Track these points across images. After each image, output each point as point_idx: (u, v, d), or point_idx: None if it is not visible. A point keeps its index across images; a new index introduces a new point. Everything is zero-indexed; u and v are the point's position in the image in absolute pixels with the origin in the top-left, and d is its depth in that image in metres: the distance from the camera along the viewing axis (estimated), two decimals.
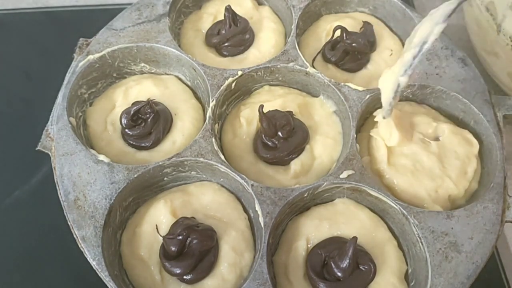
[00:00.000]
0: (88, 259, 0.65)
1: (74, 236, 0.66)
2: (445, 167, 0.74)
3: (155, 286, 0.66)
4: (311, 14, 0.93)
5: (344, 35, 0.84)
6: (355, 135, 0.75)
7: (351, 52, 0.85)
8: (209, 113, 0.76)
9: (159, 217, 0.70)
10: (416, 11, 0.90)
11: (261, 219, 0.67)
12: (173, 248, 0.64)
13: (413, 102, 0.83)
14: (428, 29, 0.60)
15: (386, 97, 0.66)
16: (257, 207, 0.68)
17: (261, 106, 0.72)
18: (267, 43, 0.89)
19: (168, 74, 0.87)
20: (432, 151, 0.74)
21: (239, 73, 0.80)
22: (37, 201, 0.86)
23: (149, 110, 0.75)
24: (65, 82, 0.79)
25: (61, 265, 0.80)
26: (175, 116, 0.80)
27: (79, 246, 0.66)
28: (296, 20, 0.86)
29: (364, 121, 0.81)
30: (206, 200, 0.72)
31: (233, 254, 0.67)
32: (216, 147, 0.72)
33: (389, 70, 0.66)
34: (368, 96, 0.78)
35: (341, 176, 0.71)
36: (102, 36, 0.83)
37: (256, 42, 0.89)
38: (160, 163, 0.71)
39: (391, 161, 0.75)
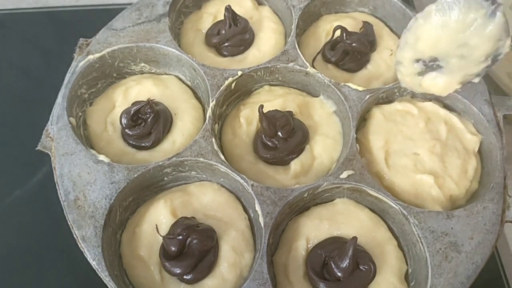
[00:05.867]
0: (88, 259, 0.65)
1: (74, 236, 0.66)
2: (446, 167, 0.74)
3: (155, 286, 0.66)
4: (311, 14, 0.93)
5: (344, 35, 0.84)
6: (355, 135, 0.75)
7: (351, 52, 0.85)
8: (209, 113, 0.76)
9: (159, 217, 0.69)
10: (416, 11, 0.90)
11: (261, 219, 0.67)
12: (173, 248, 0.64)
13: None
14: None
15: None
16: (257, 207, 0.68)
17: (261, 106, 0.72)
18: (267, 43, 0.88)
19: (168, 74, 0.87)
20: (435, 151, 0.74)
21: (239, 73, 0.80)
22: (37, 201, 0.86)
23: (149, 110, 0.75)
24: (65, 82, 0.79)
25: (61, 265, 0.80)
26: (175, 116, 0.79)
27: (79, 246, 0.66)
28: (296, 20, 0.86)
29: (364, 121, 0.81)
30: (206, 200, 0.72)
31: (233, 254, 0.67)
32: (216, 147, 0.72)
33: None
34: (368, 96, 0.78)
35: (341, 176, 0.71)
36: (102, 36, 0.83)
37: (256, 42, 0.89)
38: (160, 163, 0.71)
39: (391, 162, 0.75)
